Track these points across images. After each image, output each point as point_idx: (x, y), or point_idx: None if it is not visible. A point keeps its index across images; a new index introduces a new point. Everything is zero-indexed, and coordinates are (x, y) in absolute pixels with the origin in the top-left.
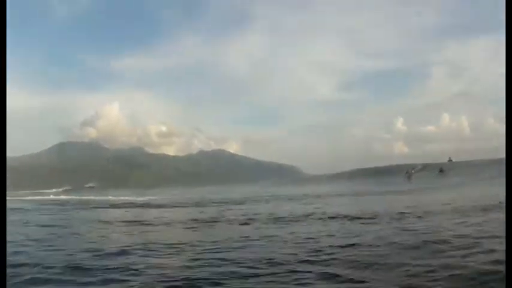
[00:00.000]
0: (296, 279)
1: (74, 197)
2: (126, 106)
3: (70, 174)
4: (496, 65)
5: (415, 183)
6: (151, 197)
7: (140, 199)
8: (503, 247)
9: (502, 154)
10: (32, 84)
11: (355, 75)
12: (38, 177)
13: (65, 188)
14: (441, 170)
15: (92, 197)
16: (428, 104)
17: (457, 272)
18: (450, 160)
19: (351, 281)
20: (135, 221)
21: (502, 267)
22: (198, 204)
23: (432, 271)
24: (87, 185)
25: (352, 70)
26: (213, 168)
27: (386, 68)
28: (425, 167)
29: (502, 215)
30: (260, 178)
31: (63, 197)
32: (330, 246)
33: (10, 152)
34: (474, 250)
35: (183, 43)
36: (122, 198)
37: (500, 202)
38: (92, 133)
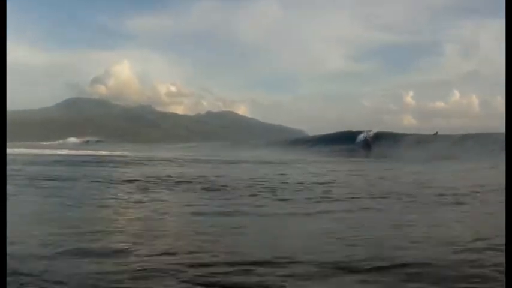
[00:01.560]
0: None
1: (71, 152)
2: (137, 65)
3: (77, 128)
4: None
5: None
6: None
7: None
8: None
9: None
10: (44, 42)
11: (367, 47)
12: (45, 130)
13: (70, 140)
14: (436, 133)
15: (92, 152)
16: (439, 80)
17: None
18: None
19: None
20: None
21: None
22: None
23: None
24: (89, 139)
25: (365, 42)
26: (220, 128)
27: (399, 42)
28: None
29: None
30: (265, 139)
31: (59, 151)
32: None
33: (20, 106)
34: None
35: (197, 6)
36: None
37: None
38: (101, 90)
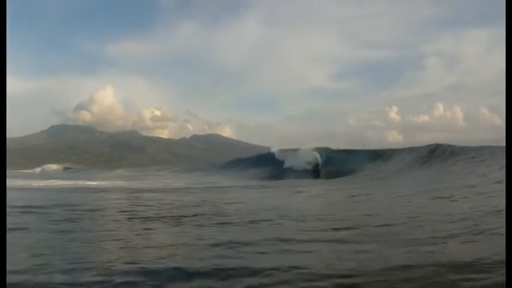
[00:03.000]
0: None
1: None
2: (121, 91)
3: (61, 155)
4: (490, 57)
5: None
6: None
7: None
8: None
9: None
10: (26, 68)
11: (350, 64)
12: (27, 157)
13: (49, 167)
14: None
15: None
16: (423, 94)
17: None
18: None
19: None
20: None
21: None
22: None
23: None
24: (69, 166)
25: (347, 59)
26: (205, 151)
27: (382, 58)
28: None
29: None
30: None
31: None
32: None
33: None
34: None
35: (178, 29)
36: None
37: None
38: (86, 116)
